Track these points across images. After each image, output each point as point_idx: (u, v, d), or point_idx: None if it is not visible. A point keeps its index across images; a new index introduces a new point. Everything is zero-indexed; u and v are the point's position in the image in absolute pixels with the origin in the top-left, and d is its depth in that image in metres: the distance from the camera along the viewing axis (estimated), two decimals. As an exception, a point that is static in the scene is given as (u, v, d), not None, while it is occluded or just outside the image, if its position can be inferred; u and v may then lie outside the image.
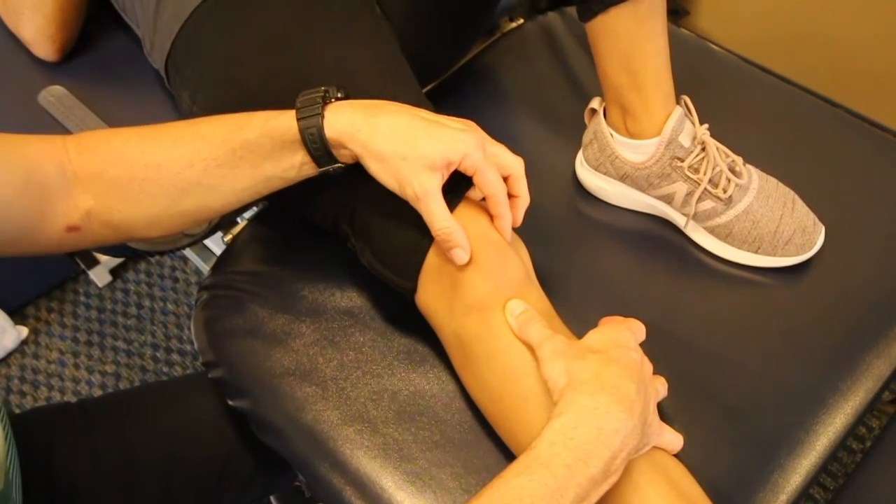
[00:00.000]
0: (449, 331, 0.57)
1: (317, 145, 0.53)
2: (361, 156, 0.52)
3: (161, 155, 0.55)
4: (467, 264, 0.54)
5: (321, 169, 0.55)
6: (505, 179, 0.56)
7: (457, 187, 0.56)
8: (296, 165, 0.55)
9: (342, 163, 0.55)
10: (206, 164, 0.54)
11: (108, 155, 0.55)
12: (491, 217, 0.57)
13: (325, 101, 0.53)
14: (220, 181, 0.55)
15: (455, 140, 0.51)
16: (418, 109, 0.54)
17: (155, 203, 0.56)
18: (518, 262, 0.57)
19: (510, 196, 0.57)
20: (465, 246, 0.53)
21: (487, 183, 0.54)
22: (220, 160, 0.54)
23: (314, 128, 0.52)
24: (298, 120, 0.52)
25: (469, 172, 0.53)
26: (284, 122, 0.53)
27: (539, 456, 0.44)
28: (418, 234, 0.56)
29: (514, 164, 0.56)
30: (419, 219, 0.54)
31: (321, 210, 0.65)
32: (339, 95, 0.55)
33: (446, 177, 0.53)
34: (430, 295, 0.58)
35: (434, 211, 0.52)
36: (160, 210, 0.56)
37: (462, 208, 0.57)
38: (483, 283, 0.54)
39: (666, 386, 0.56)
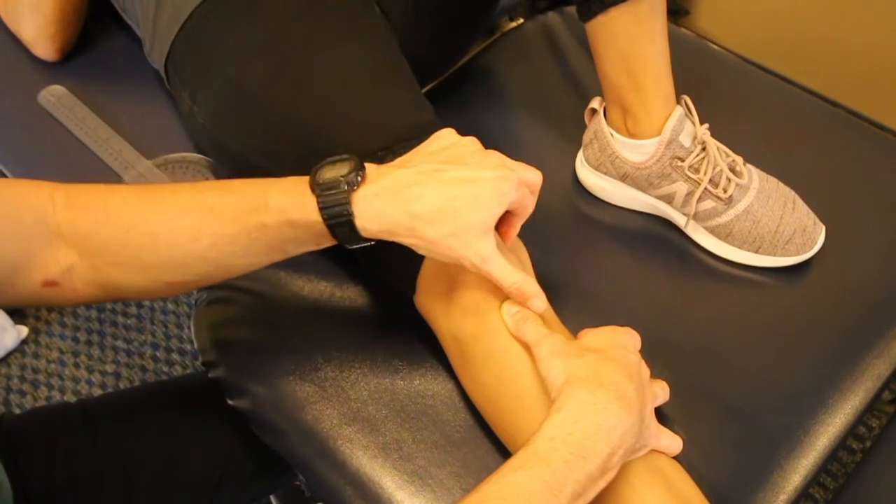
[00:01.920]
0: (447, 332, 0.57)
1: (347, 239, 0.50)
2: (407, 243, 0.50)
3: (162, 225, 0.50)
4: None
5: (350, 247, 0.52)
6: None
7: None
8: (321, 245, 0.52)
9: (372, 240, 0.51)
10: (214, 239, 0.49)
11: (102, 216, 0.50)
12: None
13: (350, 189, 0.47)
14: (228, 257, 0.51)
15: (498, 195, 0.49)
16: (438, 161, 0.50)
17: (147, 273, 0.51)
18: (515, 263, 0.57)
19: None
20: (540, 294, 0.52)
21: (525, 208, 0.53)
22: (232, 238, 0.49)
23: (345, 227, 0.48)
24: (325, 220, 0.48)
25: (514, 212, 0.53)
26: (308, 215, 0.48)
27: (538, 451, 0.44)
28: None
29: (537, 182, 0.53)
30: None
31: None
32: (359, 179, 0.48)
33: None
34: (428, 297, 0.58)
35: (500, 272, 0.50)
36: (151, 281, 0.51)
37: None
38: (481, 285, 0.54)
39: (667, 390, 0.56)
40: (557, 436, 0.44)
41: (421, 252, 0.50)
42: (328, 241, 0.51)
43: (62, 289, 0.50)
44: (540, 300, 0.52)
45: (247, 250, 0.51)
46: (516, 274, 0.51)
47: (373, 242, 0.51)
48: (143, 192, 0.52)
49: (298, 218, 0.49)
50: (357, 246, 0.51)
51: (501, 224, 0.55)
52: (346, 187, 0.47)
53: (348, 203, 0.47)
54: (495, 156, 0.51)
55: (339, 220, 0.48)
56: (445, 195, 0.48)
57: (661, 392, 0.55)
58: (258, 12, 0.65)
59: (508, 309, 0.54)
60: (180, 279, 0.52)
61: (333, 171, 0.48)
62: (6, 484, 0.59)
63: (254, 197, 0.50)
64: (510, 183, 0.49)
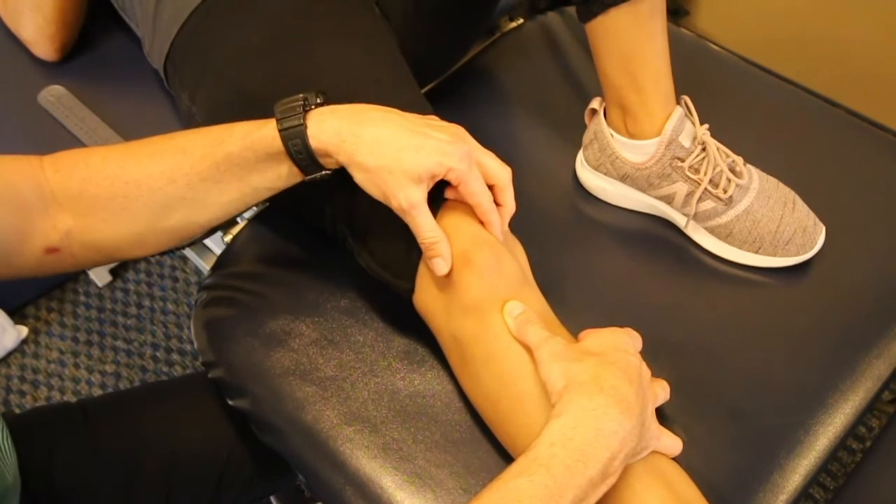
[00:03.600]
0: (446, 332, 0.57)
1: (302, 156, 0.52)
2: (347, 165, 0.52)
3: (141, 171, 0.54)
4: (463, 265, 0.54)
5: (308, 177, 0.55)
6: (491, 188, 0.56)
7: (441, 187, 0.56)
8: (282, 176, 0.55)
9: (329, 170, 0.54)
10: (189, 178, 0.53)
11: (86, 173, 0.54)
12: None
13: (306, 109, 0.52)
14: (204, 195, 0.54)
15: (440, 153, 0.51)
16: (405, 115, 0.54)
17: (138, 221, 0.55)
18: (513, 263, 0.57)
19: (496, 204, 0.56)
20: (447, 257, 0.54)
21: (471, 194, 0.54)
22: (203, 174, 0.53)
23: (298, 139, 0.51)
24: (280, 131, 0.52)
25: (454, 183, 0.54)
26: (267, 133, 0.52)
27: (538, 457, 0.44)
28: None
29: (501, 174, 0.56)
30: None
31: (319, 211, 0.65)
32: (318, 101, 0.54)
33: (430, 186, 0.53)
34: (428, 296, 0.58)
35: (421, 223, 0.53)
36: (143, 227, 0.55)
37: (455, 209, 0.57)
38: (479, 285, 0.54)
39: (667, 389, 0.56)
40: (558, 441, 0.44)
41: (358, 181, 0.53)
42: (287, 166, 0.54)
43: (62, 254, 0.54)
44: (444, 263, 0.54)
45: (219, 185, 0.54)
46: (436, 231, 0.53)
47: (329, 172, 0.54)
48: (121, 146, 0.56)
49: (259, 137, 0.52)
50: (315, 175, 0.54)
51: (452, 197, 0.57)
52: (303, 103, 0.52)
53: (303, 114, 0.52)
54: (459, 130, 0.55)
55: (293, 130, 0.51)
56: (394, 135, 0.51)
57: (661, 392, 0.55)
58: (258, 12, 0.65)
59: (510, 311, 0.54)
60: (166, 225, 0.55)
61: (297, 97, 0.53)
62: (17, 478, 0.59)
63: (221, 132, 0.54)
64: (455, 149, 0.52)
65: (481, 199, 0.54)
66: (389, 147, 0.51)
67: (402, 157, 0.51)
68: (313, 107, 0.53)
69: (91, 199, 0.53)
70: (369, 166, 0.51)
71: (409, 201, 0.51)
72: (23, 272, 0.54)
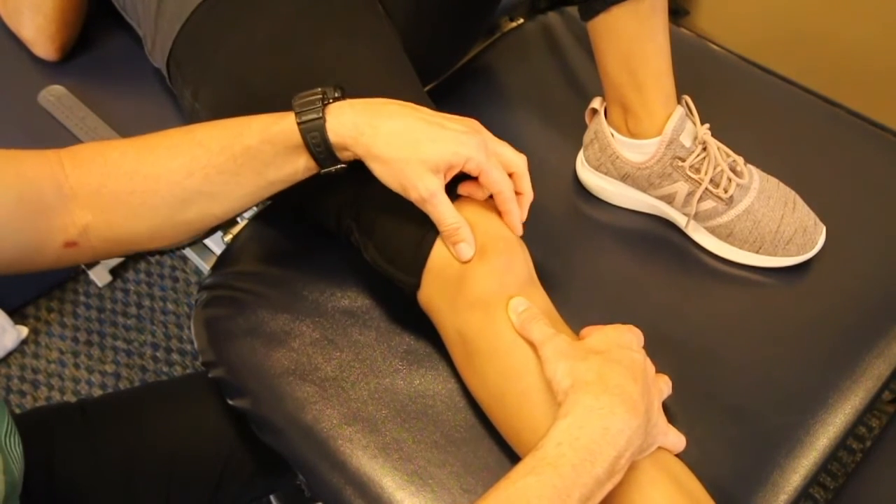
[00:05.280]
0: (451, 327, 0.57)
1: (320, 149, 0.53)
2: (364, 157, 0.53)
3: (160, 166, 0.54)
4: (475, 260, 0.55)
5: (324, 170, 0.55)
6: (509, 176, 0.56)
7: (455, 182, 0.57)
8: (299, 170, 0.55)
9: (345, 162, 0.55)
10: (206, 171, 0.54)
11: (105, 168, 0.54)
12: (498, 213, 0.58)
13: (325, 103, 0.53)
14: (221, 188, 0.55)
15: (457, 143, 0.52)
16: (420, 108, 0.55)
17: (156, 214, 0.55)
18: (524, 261, 0.58)
19: (515, 193, 0.57)
20: (472, 242, 0.55)
21: (493, 182, 0.55)
22: (221, 167, 0.54)
23: (317, 132, 0.52)
24: (299, 124, 0.52)
25: (474, 174, 0.54)
26: (285, 127, 0.53)
27: (546, 456, 0.44)
28: (423, 229, 0.56)
29: (518, 162, 0.57)
30: (423, 215, 0.55)
31: (325, 206, 0.65)
32: (336, 95, 0.55)
33: (449, 178, 0.54)
34: (434, 291, 0.58)
35: (442, 211, 0.53)
36: (162, 221, 0.56)
37: (469, 206, 0.58)
38: (489, 280, 0.55)
39: (670, 384, 0.56)
40: (565, 441, 0.44)
41: (376, 174, 0.53)
42: (304, 160, 0.54)
43: (81, 248, 0.54)
44: (469, 247, 0.55)
45: (236, 178, 0.54)
46: (458, 217, 0.54)
47: (344, 165, 0.55)
48: (139, 140, 0.56)
49: (277, 131, 0.53)
50: (330, 169, 0.55)
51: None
52: (322, 97, 0.53)
53: (322, 108, 0.52)
54: (474, 123, 0.56)
55: (311, 124, 0.52)
56: (411, 126, 0.52)
57: (665, 387, 0.56)
58: (261, 10, 0.65)
59: (514, 307, 0.54)
60: (183, 218, 0.56)
61: (315, 91, 0.54)
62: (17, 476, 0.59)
63: (239, 125, 0.55)
64: (472, 139, 0.53)
65: (502, 186, 0.55)
66: (407, 138, 0.52)
67: (419, 147, 0.51)
68: (331, 101, 0.54)
69: (110, 194, 0.54)
70: (387, 157, 0.52)
71: (429, 190, 0.52)
72: (42, 267, 0.54)
